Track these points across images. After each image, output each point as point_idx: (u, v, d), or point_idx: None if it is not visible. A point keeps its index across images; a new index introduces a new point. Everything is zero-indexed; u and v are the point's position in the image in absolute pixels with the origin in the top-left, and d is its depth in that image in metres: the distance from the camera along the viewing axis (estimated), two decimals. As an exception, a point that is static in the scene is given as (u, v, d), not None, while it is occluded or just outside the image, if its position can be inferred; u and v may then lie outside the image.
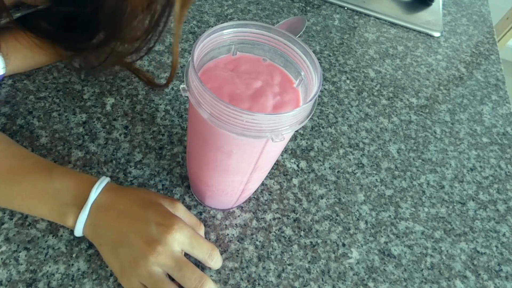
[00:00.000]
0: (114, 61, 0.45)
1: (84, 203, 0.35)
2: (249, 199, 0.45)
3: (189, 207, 0.43)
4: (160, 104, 0.52)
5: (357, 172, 0.51)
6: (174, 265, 0.33)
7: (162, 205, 0.36)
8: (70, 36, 0.45)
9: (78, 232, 0.36)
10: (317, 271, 0.41)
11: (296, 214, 0.45)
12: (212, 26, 0.41)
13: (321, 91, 0.59)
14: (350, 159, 0.52)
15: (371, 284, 0.41)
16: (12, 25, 0.42)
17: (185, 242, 0.34)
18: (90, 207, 0.35)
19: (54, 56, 0.50)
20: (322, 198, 0.47)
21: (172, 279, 0.35)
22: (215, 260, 0.37)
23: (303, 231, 0.44)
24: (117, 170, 0.44)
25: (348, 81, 0.62)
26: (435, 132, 0.58)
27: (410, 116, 0.60)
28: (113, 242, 0.34)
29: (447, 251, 0.46)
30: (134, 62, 0.48)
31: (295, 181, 0.48)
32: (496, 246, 0.47)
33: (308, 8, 0.74)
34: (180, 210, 0.37)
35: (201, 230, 0.39)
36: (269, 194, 0.46)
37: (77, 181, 0.37)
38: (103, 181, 0.37)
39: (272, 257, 0.41)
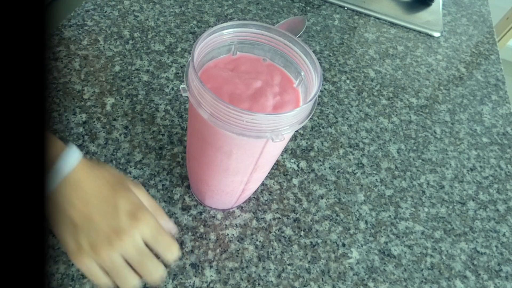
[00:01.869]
0: None
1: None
2: (249, 199, 0.45)
3: (189, 207, 0.43)
4: (160, 104, 0.52)
5: (357, 172, 0.51)
6: (136, 254, 0.34)
7: (131, 191, 0.35)
8: None
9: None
10: (317, 271, 0.41)
11: (296, 214, 0.45)
12: (212, 26, 0.41)
13: (321, 91, 0.59)
14: (350, 159, 0.52)
15: (371, 284, 0.41)
16: None
17: (149, 235, 0.34)
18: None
19: None
20: (322, 198, 0.47)
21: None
22: (175, 255, 0.36)
23: (303, 231, 0.44)
24: (117, 170, 0.44)
25: (348, 81, 0.62)
26: (435, 132, 0.58)
27: (410, 116, 0.60)
28: (74, 222, 0.33)
29: (447, 251, 0.46)
30: None
31: (295, 181, 0.48)
32: (496, 246, 0.47)
33: (308, 8, 0.74)
34: (142, 194, 0.37)
35: (163, 215, 0.38)
36: (269, 194, 0.46)
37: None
38: (74, 153, 0.34)
39: (272, 257, 0.41)
